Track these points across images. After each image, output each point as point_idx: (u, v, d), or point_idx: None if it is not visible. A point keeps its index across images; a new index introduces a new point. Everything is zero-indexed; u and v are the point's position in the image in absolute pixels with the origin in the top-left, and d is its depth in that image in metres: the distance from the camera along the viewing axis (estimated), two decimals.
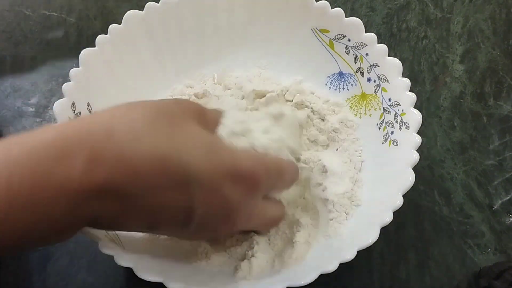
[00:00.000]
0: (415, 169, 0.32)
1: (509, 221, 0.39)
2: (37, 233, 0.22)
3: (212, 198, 0.24)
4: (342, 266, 0.29)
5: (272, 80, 0.41)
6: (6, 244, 0.21)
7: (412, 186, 0.31)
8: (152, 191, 0.23)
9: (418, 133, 0.33)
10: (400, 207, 0.31)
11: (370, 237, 0.30)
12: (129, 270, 0.29)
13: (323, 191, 0.36)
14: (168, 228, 0.26)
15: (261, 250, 0.33)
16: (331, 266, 0.29)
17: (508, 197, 0.40)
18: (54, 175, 0.20)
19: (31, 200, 0.20)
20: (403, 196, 0.31)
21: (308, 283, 0.28)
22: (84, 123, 0.23)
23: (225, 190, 0.25)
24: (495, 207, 0.39)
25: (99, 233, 0.30)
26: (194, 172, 0.23)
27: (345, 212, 0.35)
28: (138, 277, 0.29)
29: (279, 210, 0.32)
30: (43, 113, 0.42)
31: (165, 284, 0.28)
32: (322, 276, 0.29)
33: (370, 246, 0.29)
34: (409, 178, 0.31)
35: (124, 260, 0.29)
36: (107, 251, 0.29)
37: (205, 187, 0.24)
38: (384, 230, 0.30)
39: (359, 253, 0.29)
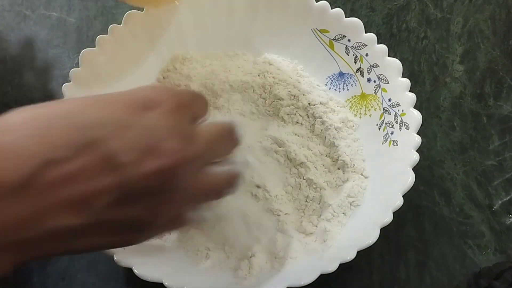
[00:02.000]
0: (415, 169, 0.32)
1: (509, 222, 0.39)
2: None
3: (127, 135, 0.21)
4: (342, 266, 0.29)
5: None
6: None
7: (412, 186, 0.31)
8: (52, 167, 0.20)
9: (418, 133, 0.34)
10: (400, 207, 0.31)
11: (370, 237, 0.30)
12: (129, 270, 0.29)
13: (321, 190, 0.36)
14: (110, 205, 0.21)
15: (261, 250, 0.33)
16: (331, 266, 0.29)
17: (508, 198, 0.40)
18: None
19: None
20: (403, 196, 0.31)
21: (308, 283, 0.28)
22: None
23: (138, 121, 0.22)
24: (495, 207, 0.39)
25: None
26: (88, 123, 0.21)
27: (343, 213, 0.35)
28: (138, 277, 0.29)
29: (227, 174, 0.27)
30: None
31: (165, 284, 0.29)
32: (322, 276, 0.29)
33: (370, 246, 0.30)
34: (409, 179, 0.31)
35: (124, 260, 0.29)
36: (107, 251, 0.29)
37: (112, 130, 0.21)
38: (384, 230, 0.30)
39: (359, 253, 0.29)
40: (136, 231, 0.23)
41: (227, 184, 0.27)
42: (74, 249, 0.23)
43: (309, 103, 0.38)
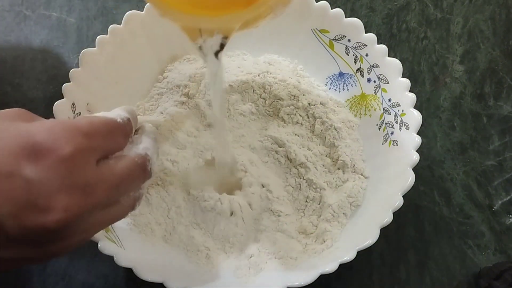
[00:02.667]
0: (415, 169, 0.32)
1: (509, 222, 0.39)
2: None
3: (8, 186, 0.19)
4: (342, 266, 0.29)
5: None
6: None
7: (412, 187, 0.31)
8: None
9: (418, 133, 0.34)
10: (400, 208, 0.31)
11: (370, 237, 0.30)
12: (129, 271, 0.29)
13: (321, 190, 0.36)
14: None
15: (261, 250, 0.33)
16: (331, 267, 0.29)
17: (508, 198, 0.40)
18: None
19: None
20: (403, 196, 0.31)
21: (308, 283, 0.28)
22: None
23: (22, 171, 0.20)
24: (495, 207, 0.40)
25: (99, 233, 0.30)
26: None
27: (343, 213, 0.35)
28: (138, 277, 0.29)
29: (125, 163, 0.25)
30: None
31: (165, 284, 0.28)
32: (322, 277, 0.29)
33: (370, 247, 0.30)
34: (409, 179, 0.31)
35: (124, 260, 0.29)
36: (107, 251, 0.29)
37: None
38: (384, 231, 0.30)
39: (359, 253, 0.29)
40: (32, 262, 0.22)
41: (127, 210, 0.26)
42: None
43: (309, 103, 0.38)
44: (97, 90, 0.37)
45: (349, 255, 0.29)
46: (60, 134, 0.21)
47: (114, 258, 0.29)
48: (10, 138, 0.20)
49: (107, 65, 0.37)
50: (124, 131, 0.26)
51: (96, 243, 0.29)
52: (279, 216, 0.35)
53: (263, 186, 0.36)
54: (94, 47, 0.36)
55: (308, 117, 0.39)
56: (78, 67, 0.35)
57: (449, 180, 0.40)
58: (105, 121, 0.24)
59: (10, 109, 0.24)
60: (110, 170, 0.23)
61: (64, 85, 0.34)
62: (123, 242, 0.32)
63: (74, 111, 0.34)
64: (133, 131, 0.28)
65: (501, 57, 0.45)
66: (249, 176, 0.36)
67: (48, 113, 0.37)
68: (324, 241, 0.33)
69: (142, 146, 0.27)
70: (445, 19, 0.47)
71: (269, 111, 0.39)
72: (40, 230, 0.20)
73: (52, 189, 0.20)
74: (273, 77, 0.39)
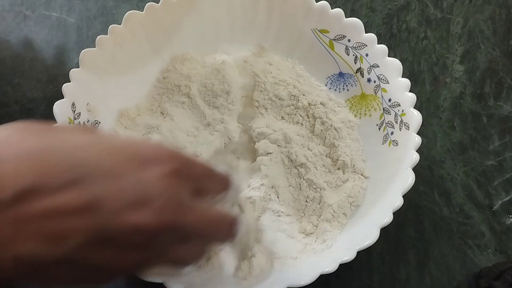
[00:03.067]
0: (415, 169, 0.32)
1: (509, 222, 0.39)
2: None
3: (115, 184, 0.21)
4: (342, 266, 0.29)
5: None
6: None
7: (412, 187, 0.31)
8: (36, 195, 0.19)
9: (418, 133, 0.34)
10: (401, 208, 0.31)
11: (370, 237, 0.30)
12: None
13: (321, 190, 0.36)
14: (84, 246, 0.20)
15: (261, 250, 0.33)
16: (331, 267, 0.29)
17: (508, 198, 0.40)
18: None
19: None
20: (403, 196, 0.31)
21: (308, 283, 0.28)
22: None
23: (132, 174, 0.21)
24: (495, 207, 0.39)
25: None
26: (82, 162, 0.21)
27: (343, 213, 0.35)
28: (138, 277, 0.29)
29: (227, 214, 0.26)
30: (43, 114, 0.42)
31: (165, 284, 0.28)
32: (322, 277, 0.29)
33: (370, 247, 0.30)
34: (409, 179, 0.31)
35: None
36: None
37: (103, 175, 0.21)
38: (384, 231, 0.30)
39: (359, 253, 0.29)
40: (101, 276, 0.23)
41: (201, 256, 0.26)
42: (36, 282, 0.22)
43: (309, 104, 0.38)
44: (97, 90, 0.37)
45: (349, 255, 0.29)
46: (166, 153, 0.23)
47: None
48: (120, 147, 0.23)
49: (107, 65, 0.37)
50: (222, 181, 0.27)
51: None
52: (279, 216, 0.35)
53: (272, 187, 0.36)
54: (94, 47, 0.36)
55: (308, 117, 0.39)
56: (78, 67, 0.35)
57: (449, 180, 0.40)
58: (207, 165, 0.26)
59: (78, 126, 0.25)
60: (202, 207, 0.24)
61: (64, 85, 0.34)
62: None
63: (74, 111, 0.34)
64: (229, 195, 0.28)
65: (501, 57, 0.45)
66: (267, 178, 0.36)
67: (48, 113, 0.38)
68: (324, 241, 0.33)
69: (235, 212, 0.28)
70: (445, 19, 0.47)
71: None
72: (138, 229, 0.21)
73: (154, 195, 0.22)
74: (273, 77, 0.39)
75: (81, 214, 0.20)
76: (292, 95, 0.39)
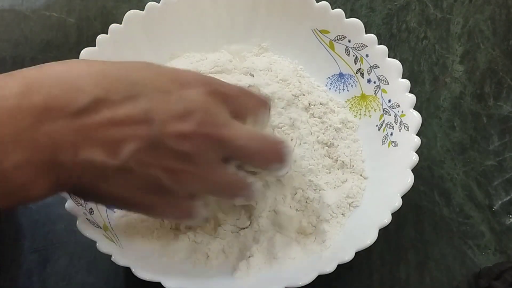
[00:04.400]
0: (415, 169, 0.32)
1: (509, 222, 0.39)
2: None
3: (164, 99, 0.24)
4: (342, 266, 0.29)
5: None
6: None
7: (412, 187, 0.31)
8: (101, 107, 0.23)
9: (418, 133, 0.34)
10: (400, 208, 0.31)
11: (368, 238, 0.30)
12: (129, 271, 0.29)
13: (320, 191, 0.36)
14: (137, 156, 0.24)
15: (260, 250, 0.33)
16: (329, 267, 0.29)
17: (508, 198, 0.40)
18: None
19: None
20: (403, 196, 0.31)
21: (306, 283, 0.28)
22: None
23: (177, 92, 0.25)
24: (495, 207, 0.40)
25: (98, 232, 0.30)
26: (138, 81, 0.24)
27: (342, 214, 0.35)
28: (138, 277, 0.29)
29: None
30: None
31: (163, 283, 0.29)
32: (322, 277, 0.29)
33: (370, 247, 0.30)
34: (408, 180, 0.31)
35: (122, 259, 0.29)
36: (105, 250, 0.29)
37: (154, 92, 0.24)
38: (384, 231, 0.30)
39: (359, 253, 0.29)
40: (154, 195, 0.25)
41: (246, 192, 0.28)
42: (101, 192, 0.25)
43: (309, 104, 0.38)
44: None
45: (347, 256, 0.29)
46: (203, 78, 0.27)
47: (112, 257, 0.29)
48: (166, 70, 0.27)
49: None
50: (260, 100, 0.29)
51: (95, 243, 0.29)
52: (278, 216, 0.35)
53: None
54: (94, 47, 0.36)
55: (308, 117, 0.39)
56: None
57: (449, 180, 0.40)
58: (243, 87, 0.29)
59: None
60: (243, 126, 0.27)
61: None
62: (122, 241, 0.32)
63: None
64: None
65: (501, 57, 0.45)
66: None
67: None
68: (323, 242, 0.33)
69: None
70: (445, 19, 0.47)
71: None
72: (185, 136, 0.24)
73: (195, 109, 0.25)
74: (273, 77, 0.39)
75: (137, 124, 0.23)
76: (292, 95, 0.39)
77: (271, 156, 0.27)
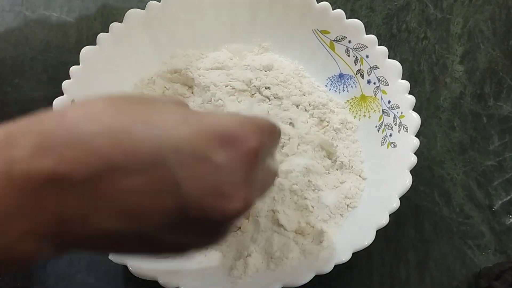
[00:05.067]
0: (415, 169, 0.32)
1: (509, 222, 0.39)
2: None
3: (199, 169, 0.20)
4: (342, 266, 0.29)
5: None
6: None
7: (412, 187, 0.31)
8: (117, 174, 0.20)
9: (418, 133, 0.34)
10: (400, 208, 0.31)
11: (366, 239, 0.30)
12: (128, 271, 0.29)
13: (319, 191, 0.36)
14: (159, 226, 0.21)
15: (257, 250, 0.33)
16: (326, 267, 0.29)
17: (508, 198, 0.40)
18: None
19: None
20: (404, 196, 0.31)
21: (303, 283, 0.28)
22: (36, 116, 0.21)
23: (214, 157, 0.21)
24: (495, 207, 0.40)
25: None
26: (167, 143, 0.20)
27: (340, 214, 0.35)
28: (137, 277, 0.29)
29: (273, 172, 0.26)
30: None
31: (160, 282, 0.29)
32: (322, 277, 0.29)
33: (370, 247, 0.30)
34: (406, 181, 0.31)
35: (120, 258, 0.29)
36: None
37: (186, 158, 0.20)
38: (384, 230, 0.30)
39: (359, 253, 0.29)
40: (174, 251, 0.23)
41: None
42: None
43: (309, 104, 0.38)
44: (97, 88, 0.36)
45: (344, 256, 0.29)
46: (249, 128, 0.22)
47: (109, 255, 0.29)
48: (202, 123, 0.21)
49: (108, 63, 0.37)
50: (280, 132, 0.26)
51: None
52: (276, 216, 0.35)
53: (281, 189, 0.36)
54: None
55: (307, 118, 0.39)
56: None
57: (449, 180, 0.40)
58: (272, 122, 0.25)
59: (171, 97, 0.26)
60: (269, 171, 0.25)
61: (64, 82, 0.34)
62: None
63: None
64: None
65: (501, 57, 0.45)
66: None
67: None
68: (321, 242, 0.33)
69: None
70: (445, 19, 0.47)
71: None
72: (219, 216, 0.21)
73: (237, 179, 0.21)
74: (273, 77, 0.39)
75: (158, 196, 0.20)
76: (292, 95, 0.39)
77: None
